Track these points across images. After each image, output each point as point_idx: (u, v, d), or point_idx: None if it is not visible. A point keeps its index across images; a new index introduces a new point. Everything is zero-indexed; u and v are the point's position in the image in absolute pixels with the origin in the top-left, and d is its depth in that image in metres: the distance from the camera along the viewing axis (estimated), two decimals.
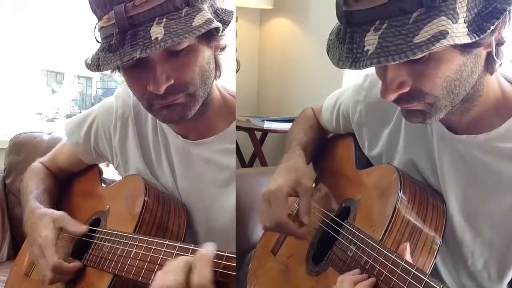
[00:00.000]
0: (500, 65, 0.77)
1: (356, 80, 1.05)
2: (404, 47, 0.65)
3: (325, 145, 1.18)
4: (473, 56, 0.73)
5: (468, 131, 0.83)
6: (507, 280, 0.86)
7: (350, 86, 1.07)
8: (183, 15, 0.78)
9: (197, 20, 0.78)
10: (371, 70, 1.02)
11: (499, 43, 0.74)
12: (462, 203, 0.85)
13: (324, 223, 0.97)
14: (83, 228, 0.97)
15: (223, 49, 0.92)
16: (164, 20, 0.77)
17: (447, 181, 0.87)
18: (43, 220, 0.98)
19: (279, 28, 2.80)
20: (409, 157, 0.94)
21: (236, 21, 2.62)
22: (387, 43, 0.66)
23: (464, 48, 0.71)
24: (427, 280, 0.66)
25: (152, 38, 0.75)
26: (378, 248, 0.75)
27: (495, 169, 0.81)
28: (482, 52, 0.74)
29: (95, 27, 0.83)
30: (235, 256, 0.70)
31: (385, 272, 0.72)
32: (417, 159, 0.93)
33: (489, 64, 0.76)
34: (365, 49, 0.67)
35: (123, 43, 0.77)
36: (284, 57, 2.77)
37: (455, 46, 0.69)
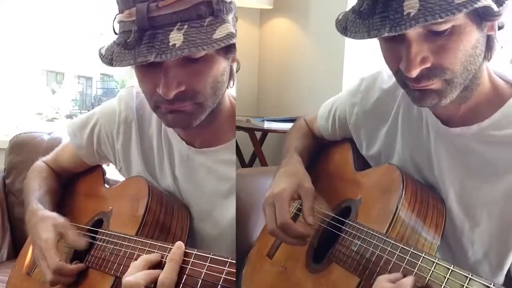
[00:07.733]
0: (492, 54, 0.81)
1: (351, 85, 1.08)
2: (447, 6, 0.67)
3: (321, 152, 1.19)
4: (483, 35, 0.77)
5: (462, 123, 0.86)
6: (506, 268, 0.87)
7: (344, 92, 1.10)
8: (205, 25, 0.76)
9: (219, 33, 0.76)
10: (366, 73, 1.05)
11: (500, 26, 0.78)
12: (460, 195, 0.87)
13: (325, 223, 0.98)
14: (82, 242, 0.95)
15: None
16: (186, 27, 0.74)
17: (444, 175, 0.89)
18: (45, 223, 0.97)
19: (279, 28, 2.80)
20: (407, 154, 0.96)
21: (236, 21, 2.62)
22: (431, 4, 0.68)
23: (480, 22, 0.75)
24: (437, 262, 0.68)
25: (170, 44, 0.73)
26: (385, 239, 0.78)
27: (490, 157, 0.83)
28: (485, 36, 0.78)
29: (115, 18, 0.81)
30: (235, 261, 0.70)
31: (394, 260, 0.75)
32: (415, 155, 0.94)
33: (488, 49, 0.79)
34: (405, 13, 0.68)
35: (139, 43, 0.75)
36: (284, 57, 2.77)
37: (473, 20, 0.73)
